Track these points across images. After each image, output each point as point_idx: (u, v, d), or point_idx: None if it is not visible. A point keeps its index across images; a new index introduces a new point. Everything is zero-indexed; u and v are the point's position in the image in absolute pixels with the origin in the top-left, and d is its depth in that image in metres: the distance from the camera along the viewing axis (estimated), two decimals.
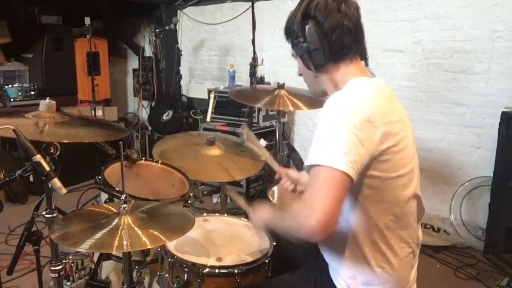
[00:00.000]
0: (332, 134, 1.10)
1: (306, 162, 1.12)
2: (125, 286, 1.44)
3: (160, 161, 2.10)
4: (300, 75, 1.40)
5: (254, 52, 3.27)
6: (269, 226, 1.33)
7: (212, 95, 4.05)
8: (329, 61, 1.26)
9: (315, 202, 1.05)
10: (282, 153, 2.55)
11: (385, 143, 1.14)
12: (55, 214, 1.62)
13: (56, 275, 1.62)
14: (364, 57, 1.33)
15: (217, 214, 1.97)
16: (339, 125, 1.10)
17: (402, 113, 1.28)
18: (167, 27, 4.37)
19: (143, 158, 2.09)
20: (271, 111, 3.88)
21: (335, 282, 1.30)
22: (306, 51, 1.25)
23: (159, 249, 1.67)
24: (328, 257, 1.34)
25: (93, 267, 2.00)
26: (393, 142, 1.16)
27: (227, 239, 1.74)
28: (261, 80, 3.95)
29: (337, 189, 1.05)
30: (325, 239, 1.06)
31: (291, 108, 2.25)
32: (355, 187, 1.15)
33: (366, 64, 1.35)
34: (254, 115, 3.75)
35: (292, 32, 1.28)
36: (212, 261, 1.55)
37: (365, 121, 1.11)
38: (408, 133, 1.27)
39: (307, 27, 1.23)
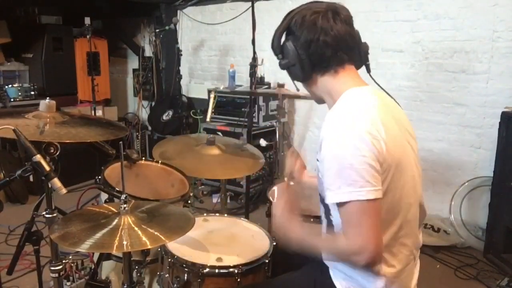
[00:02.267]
0: (346, 164, 1.11)
1: (330, 199, 1.14)
2: (125, 286, 1.44)
3: (160, 161, 2.10)
4: None
5: (254, 52, 3.26)
6: (302, 247, 1.28)
7: (212, 95, 4.05)
8: (311, 74, 1.28)
9: (360, 239, 1.10)
10: (282, 153, 2.54)
11: (388, 152, 1.14)
12: (55, 214, 1.62)
13: (56, 275, 1.62)
14: (360, 64, 1.33)
15: (217, 214, 1.97)
16: (348, 153, 1.11)
17: (401, 119, 1.28)
18: (167, 27, 4.37)
19: (143, 158, 2.10)
20: (271, 110, 3.88)
21: (336, 283, 1.29)
22: (286, 67, 1.30)
23: (159, 249, 1.67)
24: (330, 263, 1.34)
25: (93, 267, 2.00)
26: (394, 151, 1.16)
27: (227, 239, 1.73)
28: (261, 80, 3.95)
29: (373, 218, 1.10)
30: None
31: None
32: None
33: (368, 70, 1.36)
34: (254, 115, 3.75)
35: (273, 49, 1.34)
36: (212, 261, 1.54)
37: (368, 137, 1.12)
38: (409, 139, 1.27)
39: (286, 44, 1.28)
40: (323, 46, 1.23)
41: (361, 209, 1.10)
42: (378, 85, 1.37)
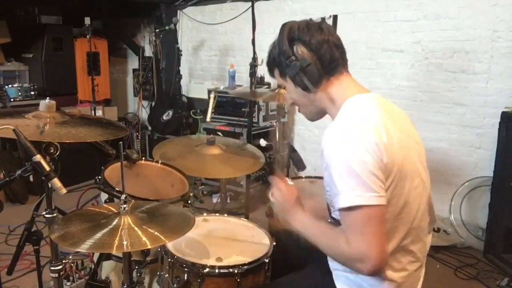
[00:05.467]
0: (349, 170, 1.11)
1: (337, 205, 1.13)
2: (125, 286, 1.44)
3: (160, 161, 2.10)
4: (293, 103, 1.40)
5: (254, 52, 3.26)
6: (302, 234, 1.28)
7: (212, 95, 4.04)
8: (322, 76, 1.26)
9: (362, 246, 1.09)
10: (282, 153, 2.54)
11: (391, 160, 1.13)
12: (55, 214, 1.62)
13: (56, 275, 1.61)
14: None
15: (217, 214, 1.97)
16: (351, 159, 1.11)
17: (405, 125, 1.27)
18: (167, 27, 4.37)
19: (143, 158, 2.10)
20: (271, 110, 3.88)
21: (338, 287, 1.29)
22: (300, 68, 1.25)
23: (159, 249, 1.67)
24: (334, 265, 1.34)
25: (93, 267, 2.00)
26: (397, 158, 1.15)
27: (227, 239, 1.73)
28: (261, 80, 3.94)
29: (377, 225, 1.10)
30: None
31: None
32: None
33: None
34: (254, 115, 3.75)
35: (281, 55, 1.28)
36: (212, 261, 1.54)
37: (371, 146, 1.12)
38: (414, 145, 1.26)
39: (295, 47, 1.25)
40: (332, 46, 1.26)
41: (363, 215, 1.09)
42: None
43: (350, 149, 1.12)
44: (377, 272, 1.13)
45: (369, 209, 1.09)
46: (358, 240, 1.10)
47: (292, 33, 1.26)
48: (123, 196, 1.32)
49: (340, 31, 1.39)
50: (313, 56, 1.24)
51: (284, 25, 1.30)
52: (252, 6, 3.24)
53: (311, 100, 1.32)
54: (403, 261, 1.22)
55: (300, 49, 1.25)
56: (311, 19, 1.30)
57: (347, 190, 1.10)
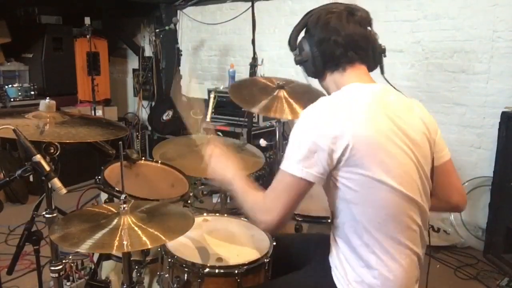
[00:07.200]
0: (294, 141, 1.20)
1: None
2: (125, 286, 1.44)
3: (160, 161, 2.10)
4: None
5: (254, 52, 3.27)
6: (226, 187, 1.42)
7: (212, 95, 4.04)
8: (323, 70, 1.33)
9: (273, 205, 1.21)
10: (282, 153, 2.54)
11: (353, 147, 1.13)
12: (55, 214, 1.62)
13: (56, 275, 1.62)
14: (373, 65, 1.35)
15: (217, 214, 1.96)
16: (302, 132, 1.19)
17: (402, 122, 1.23)
18: (167, 27, 4.37)
19: (143, 158, 2.10)
20: None
21: (338, 286, 1.29)
22: (300, 62, 1.36)
23: (159, 249, 1.67)
24: (332, 260, 1.34)
25: (93, 267, 2.01)
26: (363, 147, 1.14)
27: (227, 239, 1.73)
28: None
29: (292, 194, 1.19)
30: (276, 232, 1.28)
31: (289, 117, 2.05)
32: (338, 189, 1.20)
33: (382, 72, 1.38)
34: (254, 115, 3.75)
35: (289, 45, 1.41)
36: (212, 261, 1.54)
37: (329, 127, 1.15)
38: (406, 143, 1.23)
39: (302, 40, 1.34)
40: (333, 45, 1.27)
41: (286, 181, 1.19)
42: (392, 86, 1.36)
43: (306, 123, 1.20)
44: (270, 231, 1.43)
45: (291, 177, 1.18)
46: (272, 197, 1.22)
47: (307, 24, 1.34)
48: (123, 196, 1.32)
49: None
50: (313, 52, 1.31)
51: (307, 13, 1.36)
52: (252, 6, 3.24)
53: (321, 85, 1.41)
54: (394, 253, 1.22)
55: (303, 44, 1.33)
56: (334, 4, 1.33)
57: (286, 155, 1.21)
